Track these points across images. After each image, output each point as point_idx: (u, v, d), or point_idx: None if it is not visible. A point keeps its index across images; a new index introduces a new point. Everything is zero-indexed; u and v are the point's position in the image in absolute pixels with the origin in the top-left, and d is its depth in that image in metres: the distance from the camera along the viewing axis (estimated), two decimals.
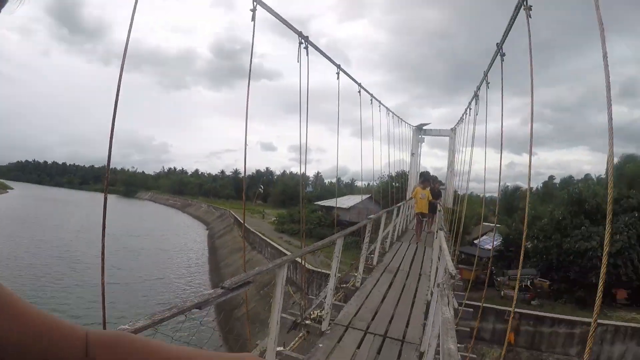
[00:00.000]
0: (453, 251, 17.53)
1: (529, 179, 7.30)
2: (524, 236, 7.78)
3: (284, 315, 6.62)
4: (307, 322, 7.15)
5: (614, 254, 25.42)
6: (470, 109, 15.58)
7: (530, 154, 7.09)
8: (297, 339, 6.91)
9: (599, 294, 3.17)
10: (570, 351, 17.60)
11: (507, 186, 60.54)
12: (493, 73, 10.78)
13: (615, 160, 50.81)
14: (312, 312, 7.35)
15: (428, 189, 18.14)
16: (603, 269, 3.14)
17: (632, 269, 26.04)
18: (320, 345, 6.39)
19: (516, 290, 8.38)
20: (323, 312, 7.19)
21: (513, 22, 7.68)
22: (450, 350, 3.15)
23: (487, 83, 11.12)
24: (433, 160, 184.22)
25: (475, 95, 13.42)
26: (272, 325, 4.74)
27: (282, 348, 6.00)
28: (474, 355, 8.18)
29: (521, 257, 7.86)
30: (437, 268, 8.16)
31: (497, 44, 8.88)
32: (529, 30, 6.58)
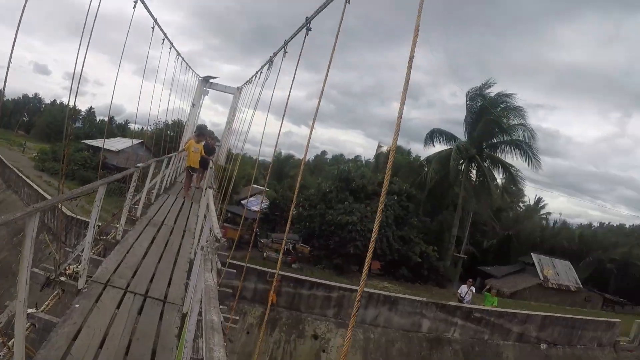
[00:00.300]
0: (220, 209, 17.47)
1: (306, 150, 7.44)
2: (293, 203, 7.96)
3: (35, 270, 5.88)
4: (62, 278, 6.33)
5: (372, 230, 27.49)
6: (261, 72, 15.51)
7: (312, 127, 7.21)
8: (50, 298, 6.21)
9: (367, 264, 3.32)
10: (327, 312, 18.78)
11: (281, 153, 62.56)
12: (293, 44, 10.81)
13: (384, 149, 55.40)
14: (67, 267, 6.63)
15: (202, 143, 17.70)
16: (372, 243, 3.26)
17: (386, 244, 28.68)
18: (77, 305, 5.67)
19: (281, 253, 8.58)
20: (80, 267, 6.42)
21: (329, 2, 7.68)
22: (213, 322, 3.01)
23: (285, 52, 11.12)
24: (213, 115, 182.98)
25: (270, 61, 13.40)
26: (20, 285, 4.05)
27: (34, 310, 5.34)
28: (237, 317, 8.22)
29: (288, 223, 8.00)
30: (202, 227, 7.96)
31: (307, 17, 8.87)
32: (342, 15, 6.56)
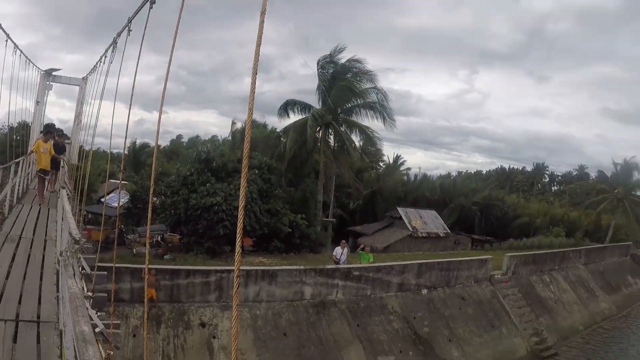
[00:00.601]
0: (79, 211, 16.26)
1: (157, 135, 6.89)
2: (151, 193, 7.38)
3: None
4: None
5: (238, 207, 27.16)
6: (105, 56, 14.24)
7: (160, 111, 6.65)
8: None
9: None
10: (209, 298, 18.17)
11: (135, 142, 60.12)
12: (138, 24, 9.92)
13: (239, 125, 54.82)
14: None
15: (51, 142, 16.44)
16: (240, 220, 2.93)
17: (255, 219, 28.36)
18: None
19: (147, 246, 7.97)
20: None
21: None
22: (83, 333, 2.53)
23: (129, 30, 10.13)
24: (59, 111, 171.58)
25: (114, 42, 12.28)
26: None
27: None
28: (118, 322, 7.49)
29: (149, 214, 7.44)
30: (61, 230, 7.19)
31: None
32: None
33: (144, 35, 8.07)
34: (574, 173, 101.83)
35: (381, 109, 38.37)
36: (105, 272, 9.14)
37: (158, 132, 6.83)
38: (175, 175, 30.62)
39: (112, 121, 11.74)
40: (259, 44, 2.88)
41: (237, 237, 3.01)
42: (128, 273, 16.30)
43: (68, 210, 6.20)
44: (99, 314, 5.65)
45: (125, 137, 9.67)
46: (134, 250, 25.88)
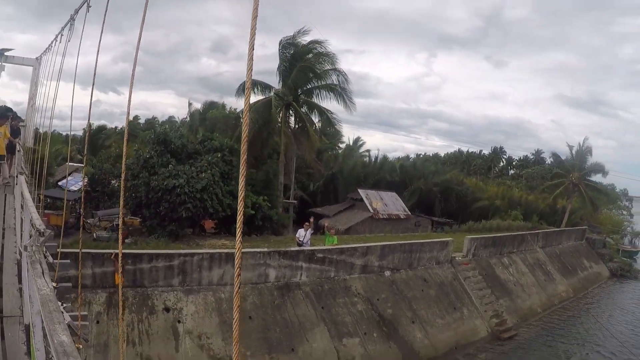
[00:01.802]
0: (37, 196, 15.71)
1: (127, 118, 6.61)
2: (122, 177, 7.13)
3: None
4: None
5: (201, 189, 26.85)
6: (62, 35, 13.60)
7: (130, 93, 6.36)
8: None
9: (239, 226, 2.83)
10: (172, 282, 17.84)
11: (92, 124, 58.74)
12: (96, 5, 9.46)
13: (199, 106, 54.08)
14: None
15: (5, 125, 15.81)
16: (240, 207, 2.80)
17: (217, 202, 28.02)
18: None
19: (120, 231, 7.69)
20: None
21: None
22: (63, 344, 2.34)
23: (89, 6, 9.62)
24: (13, 93, 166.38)
25: (72, 19, 11.71)
26: None
27: None
28: (85, 313, 7.21)
29: (121, 199, 7.19)
30: (21, 220, 6.84)
31: None
32: None
33: (106, 12, 7.71)
34: (531, 157, 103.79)
35: (341, 91, 38.30)
36: (68, 261, 8.83)
37: (128, 114, 6.57)
38: (135, 158, 29.98)
39: (72, 103, 11.30)
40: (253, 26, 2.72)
41: (238, 218, 2.87)
42: (89, 258, 15.86)
43: (28, 197, 5.87)
44: (64, 305, 5.40)
45: (89, 118, 9.30)
46: (94, 234, 25.34)
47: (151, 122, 70.80)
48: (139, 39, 5.69)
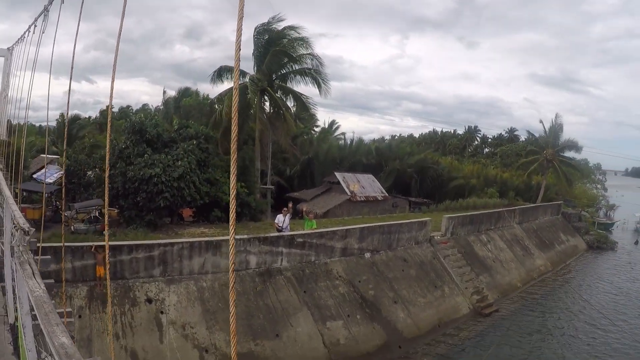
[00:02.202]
0: (14, 190, 15.47)
1: (110, 108, 6.48)
2: (106, 170, 7.02)
3: None
4: None
5: (178, 178, 26.66)
6: (35, 25, 13.30)
7: (113, 81, 6.27)
8: None
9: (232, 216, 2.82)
10: (153, 272, 17.70)
11: (63, 114, 57.76)
12: None
13: (173, 93, 53.48)
14: None
15: None
16: (232, 197, 2.79)
17: (194, 190, 27.87)
18: None
19: (106, 223, 7.63)
20: None
21: None
22: (64, 346, 2.30)
23: None
24: None
25: (45, 10, 11.47)
26: None
27: None
28: (70, 309, 7.10)
29: (106, 191, 7.12)
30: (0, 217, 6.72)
31: None
32: None
33: (82, 4, 7.56)
34: (505, 135, 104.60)
35: (316, 74, 38.16)
36: (49, 256, 8.72)
37: (110, 103, 6.46)
38: (110, 148, 29.58)
39: (49, 93, 11.14)
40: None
41: (231, 206, 2.85)
42: (69, 252, 15.65)
43: (8, 194, 5.74)
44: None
45: (67, 110, 9.15)
46: (72, 227, 24.99)
47: (125, 111, 69.84)
48: (120, 31, 5.59)
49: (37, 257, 7.50)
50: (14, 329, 5.06)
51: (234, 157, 2.73)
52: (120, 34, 5.61)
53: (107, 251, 7.11)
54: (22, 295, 3.59)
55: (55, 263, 12.99)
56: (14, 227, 4.80)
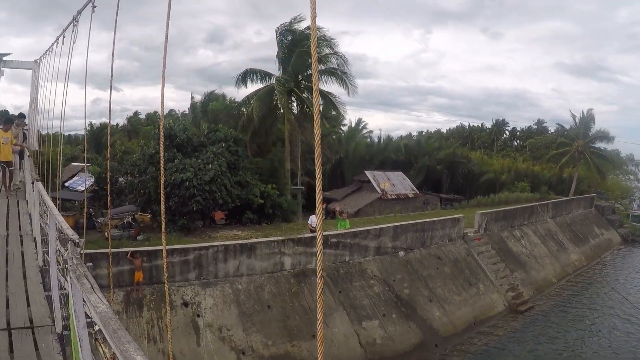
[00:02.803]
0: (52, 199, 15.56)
1: (162, 119, 6.46)
2: (161, 176, 6.99)
3: None
4: None
5: (209, 181, 26.74)
6: (64, 37, 13.39)
7: (163, 83, 6.23)
8: None
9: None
10: (189, 276, 17.80)
11: (92, 123, 58.66)
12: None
13: (199, 97, 53.76)
14: None
15: (10, 131, 15.60)
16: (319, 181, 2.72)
17: (226, 193, 27.94)
18: None
19: (163, 229, 7.64)
20: None
21: None
22: None
23: (94, 6, 9.43)
24: (12, 97, 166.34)
25: (74, 21, 11.52)
26: None
27: None
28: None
29: (162, 198, 7.10)
30: (41, 227, 6.69)
31: None
32: None
33: (117, 10, 7.56)
34: (534, 127, 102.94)
35: (342, 74, 38.01)
36: (91, 264, 8.75)
37: (162, 106, 6.43)
38: (140, 154, 29.83)
39: (85, 102, 11.22)
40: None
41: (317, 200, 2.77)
42: (104, 258, 15.76)
43: (51, 205, 5.72)
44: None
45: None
46: (105, 233, 25.24)
47: (152, 117, 70.54)
48: (166, 38, 5.55)
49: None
50: (62, 339, 5.05)
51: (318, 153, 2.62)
52: (166, 43, 5.58)
53: (164, 255, 7.10)
54: (78, 308, 3.54)
55: (92, 269, 13.07)
56: (59, 237, 4.77)
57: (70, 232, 4.36)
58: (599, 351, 22.20)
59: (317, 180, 2.71)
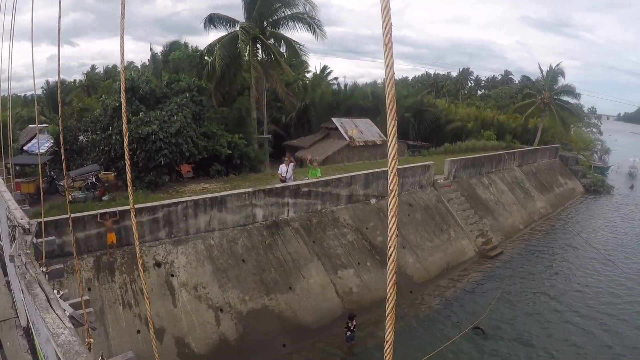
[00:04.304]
0: (5, 166, 14.74)
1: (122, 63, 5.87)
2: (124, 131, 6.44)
3: None
4: None
5: (175, 133, 26.01)
6: None
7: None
8: None
9: None
10: (159, 235, 17.19)
11: (48, 81, 56.67)
12: None
13: (160, 49, 52.03)
14: None
15: None
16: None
17: (192, 144, 27.29)
18: None
19: (129, 187, 7.13)
20: None
21: None
22: None
23: None
24: None
25: None
26: None
27: None
28: (87, 297, 6.48)
29: (126, 152, 6.56)
30: None
31: None
32: None
33: None
34: (498, 78, 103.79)
35: (310, 20, 36.94)
36: (53, 237, 8.05)
37: (122, 57, 5.87)
38: (102, 109, 28.74)
39: (33, 59, 10.41)
40: None
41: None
42: (68, 224, 15.01)
43: (4, 189, 5.09)
44: (61, 294, 4.72)
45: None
46: (69, 196, 24.32)
47: (111, 71, 68.42)
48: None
49: (41, 240, 6.71)
50: (28, 334, 4.52)
51: None
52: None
53: (133, 215, 6.61)
54: (37, 320, 2.91)
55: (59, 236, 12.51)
56: (11, 226, 4.19)
57: (19, 215, 3.78)
58: (568, 287, 23.19)
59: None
